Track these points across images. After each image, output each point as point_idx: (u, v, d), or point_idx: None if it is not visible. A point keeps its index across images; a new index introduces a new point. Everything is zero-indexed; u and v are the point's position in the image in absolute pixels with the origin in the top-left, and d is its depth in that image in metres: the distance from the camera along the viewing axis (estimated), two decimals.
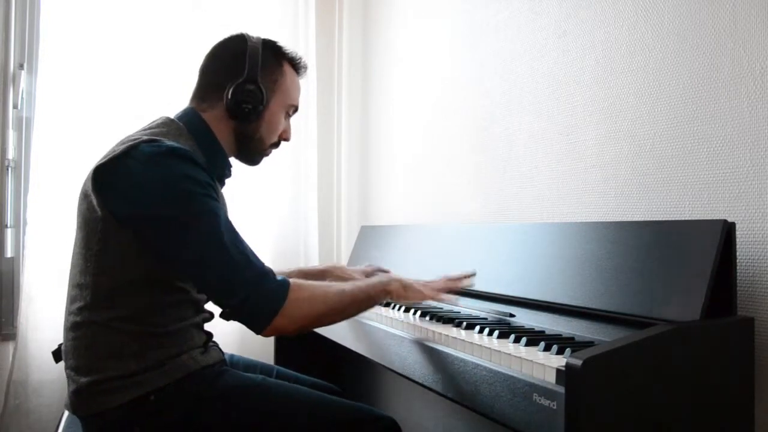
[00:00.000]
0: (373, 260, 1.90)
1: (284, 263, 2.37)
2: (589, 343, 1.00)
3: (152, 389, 1.10)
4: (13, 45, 2.19)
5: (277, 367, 1.53)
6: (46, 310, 2.00)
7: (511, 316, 1.29)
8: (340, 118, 2.80)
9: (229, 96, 1.24)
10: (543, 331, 1.15)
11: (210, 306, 1.24)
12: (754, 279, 1.10)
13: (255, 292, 1.07)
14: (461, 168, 1.94)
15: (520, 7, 1.70)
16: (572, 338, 1.08)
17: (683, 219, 1.21)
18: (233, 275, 1.07)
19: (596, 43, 1.44)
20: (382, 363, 1.32)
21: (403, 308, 1.47)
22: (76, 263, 1.15)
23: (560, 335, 1.11)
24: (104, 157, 1.12)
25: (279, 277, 1.11)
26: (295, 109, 1.38)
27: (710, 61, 1.19)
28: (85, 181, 1.14)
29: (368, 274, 1.59)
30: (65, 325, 1.15)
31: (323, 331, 1.62)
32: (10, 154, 2.18)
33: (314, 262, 2.52)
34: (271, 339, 2.16)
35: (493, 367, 0.96)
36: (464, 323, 1.20)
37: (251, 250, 1.12)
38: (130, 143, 1.10)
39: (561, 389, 0.82)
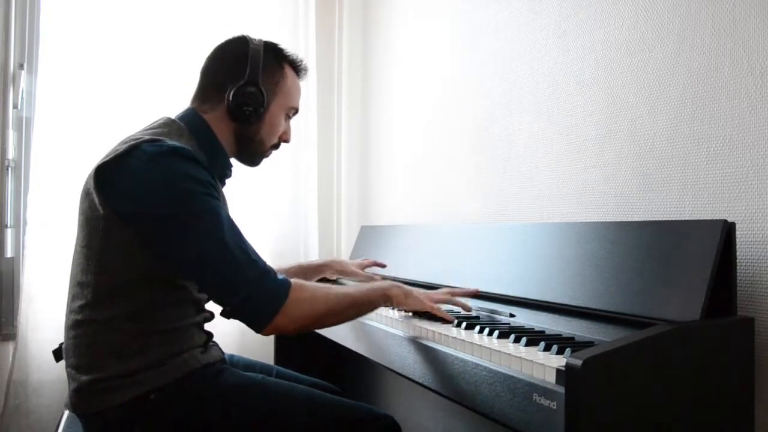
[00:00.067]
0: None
1: (284, 263, 2.36)
2: (589, 343, 1.00)
3: (152, 388, 1.10)
4: (13, 45, 2.20)
5: (276, 367, 1.53)
6: (46, 310, 2.00)
7: (512, 316, 1.29)
8: (340, 118, 2.80)
9: (231, 98, 1.24)
10: (543, 331, 1.15)
11: (210, 306, 1.24)
12: (754, 279, 1.09)
13: (256, 291, 1.07)
14: (461, 168, 1.94)
15: (520, 7, 1.70)
16: (572, 338, 1.08)
17: (683, 219, 1.21)
18: (235, 274, 1.07)
19: (596, 43, 1.44)
20: (382, 363, 1.32)
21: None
22: (77, 262, 1.15)
23: (560, 335, 1.11)
24: (106, 156, 1.12)
25: (280, 277, 1.11)
26: (296, 111, 1.39)
27: (710, 61, 1.19)
28: (87, 179, 1.14)
29: (364, 267, 1.72)
30: (66, 323, 1.15)
31: (323, 331, 1.62)
32: (10, 154, 2.19)
33: None
34: (271, 339, 2.16)
35: (493, 367, 0.96)
36: (464, 323, 1.20)
37: (253, 249, 1.12)
38: (132, 143, 1.11)
39: (561, 389, 0.82)
